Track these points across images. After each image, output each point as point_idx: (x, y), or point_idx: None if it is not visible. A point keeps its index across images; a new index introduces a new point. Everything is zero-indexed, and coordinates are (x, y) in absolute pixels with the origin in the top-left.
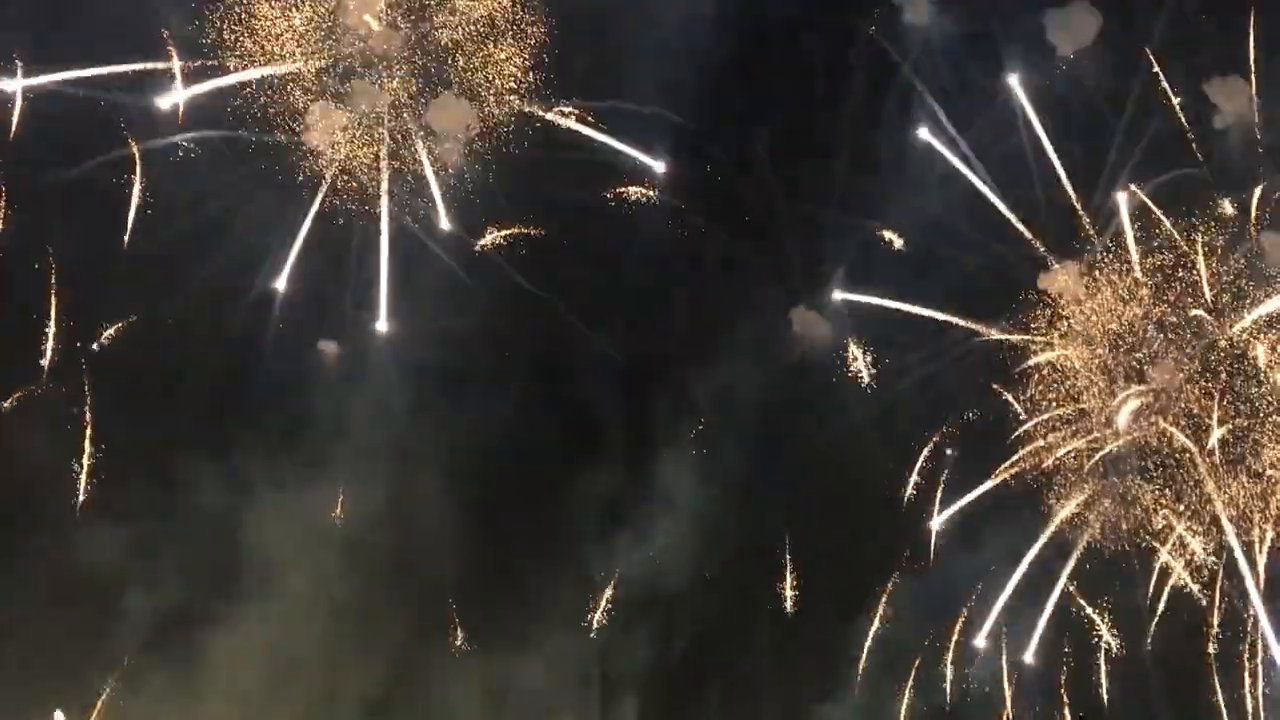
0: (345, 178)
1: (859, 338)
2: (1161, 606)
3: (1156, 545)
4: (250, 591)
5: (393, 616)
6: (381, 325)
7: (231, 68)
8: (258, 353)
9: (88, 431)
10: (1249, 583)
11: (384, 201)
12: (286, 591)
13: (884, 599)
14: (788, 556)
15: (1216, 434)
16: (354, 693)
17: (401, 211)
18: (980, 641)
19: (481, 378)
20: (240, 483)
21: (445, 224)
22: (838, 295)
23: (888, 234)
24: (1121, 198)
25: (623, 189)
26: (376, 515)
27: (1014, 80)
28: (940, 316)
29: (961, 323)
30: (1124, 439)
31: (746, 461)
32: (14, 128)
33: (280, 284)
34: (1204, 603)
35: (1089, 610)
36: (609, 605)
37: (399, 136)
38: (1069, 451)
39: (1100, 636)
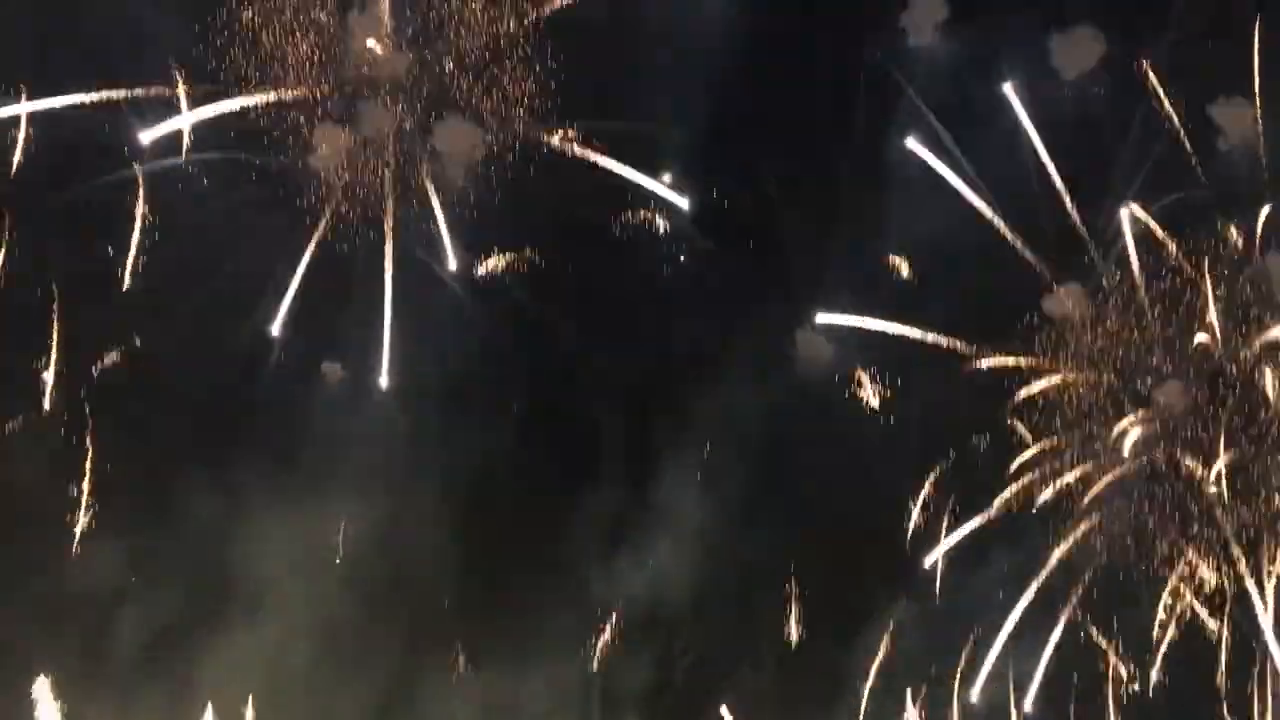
0: (349, 203)
1: (863, 361)
2: (1170, 634)
3: (1166, 573)
4: (250, 615)
5: (393, 640)
6: (383, 380)
7: (237, 91)
8: (260, 375)
9: (88, 457)
10: (1259, 610)
11: (389, 241)
12: (285, 615)
13: (889, 626)
14: (792, 583)
15: (1222, 460)
16: (353, 716)
17: (405, 234)
18: (975, 696)
19: (485, 401)
20: (241, 507)
21: (453, 264)
22: (820, 319)
23: (892, 257)
24: (1125, 218)
25: (628, 213)
26: (379, 539)
27: (1008, 88)
28: (942, 341)
29: (963, 347)
30: (1130, 466)
31: (748, 486)
32: (18, 152)
33: (275, 328)
34: (1213, 630)
35: (1097, 637)
36: (611, 629)
37: (403, 160)
38: (1075, 478)
39: (1108, 664)
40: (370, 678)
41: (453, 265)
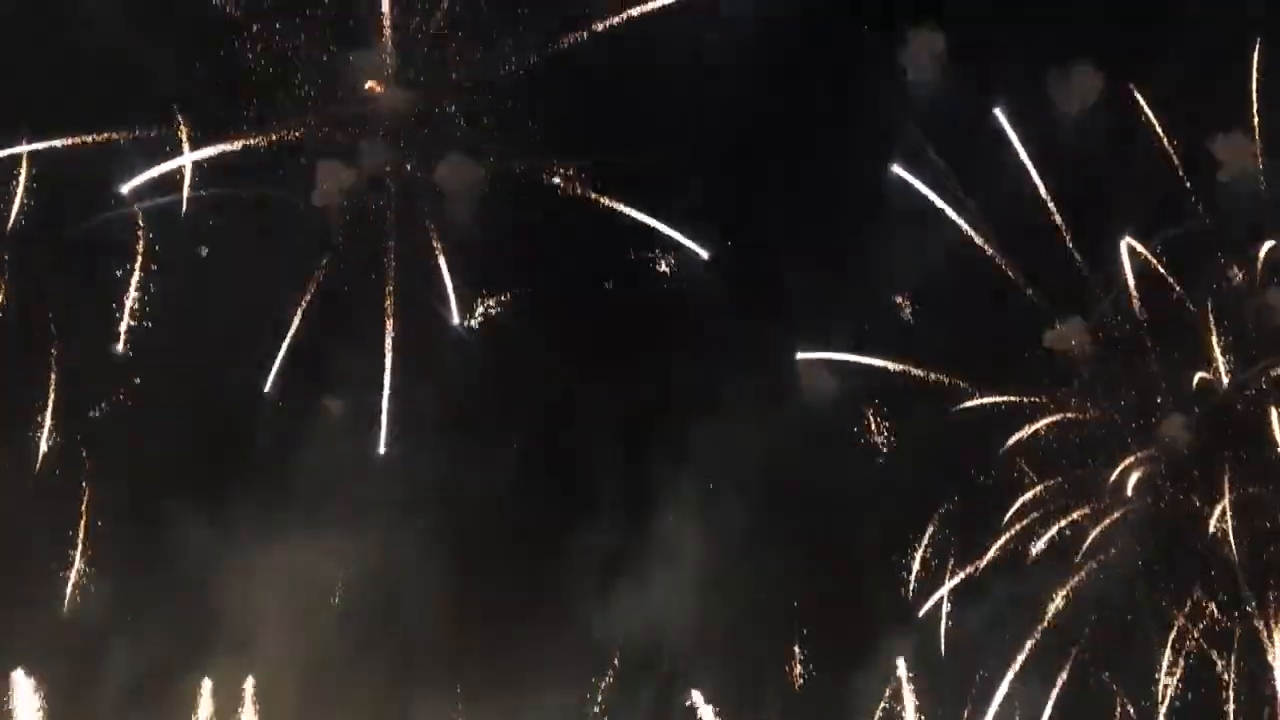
0: (351, 240)
1: (865, 399)
2: (1177, 674)
3: (1172, 612)
4: (249, 656)
5: (393, 679)
6: (382, 448)
7: (239, 130)
8: (260, 411)
9: (84, 500)
10: (1269, 649)
11: (389, 283)
12: (283, 656)
13: (893, 668)
14: (796, 623)
15: (1227, 497)
16: None
17: (407, 270)
18: None
19: (485, 437)
20: (241, 548)
21: (456, 317)
22: (801, 355)
23: (893, 290)
24: (1124, 252)
25: (632, 252)
26: (378, 578)
27: (999, 113)
28: (941, 376)
29: (964, 384)
30: (1134, 504)
31: (750, 521)
32: (19, 192)
33: (268, 386)
34: (1221, 670)
35: (1104, 677)
36: (612, 669)
37: (404, 197)
38: (1079, 516)
39: (1115, 705)
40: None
41: (456, 318)
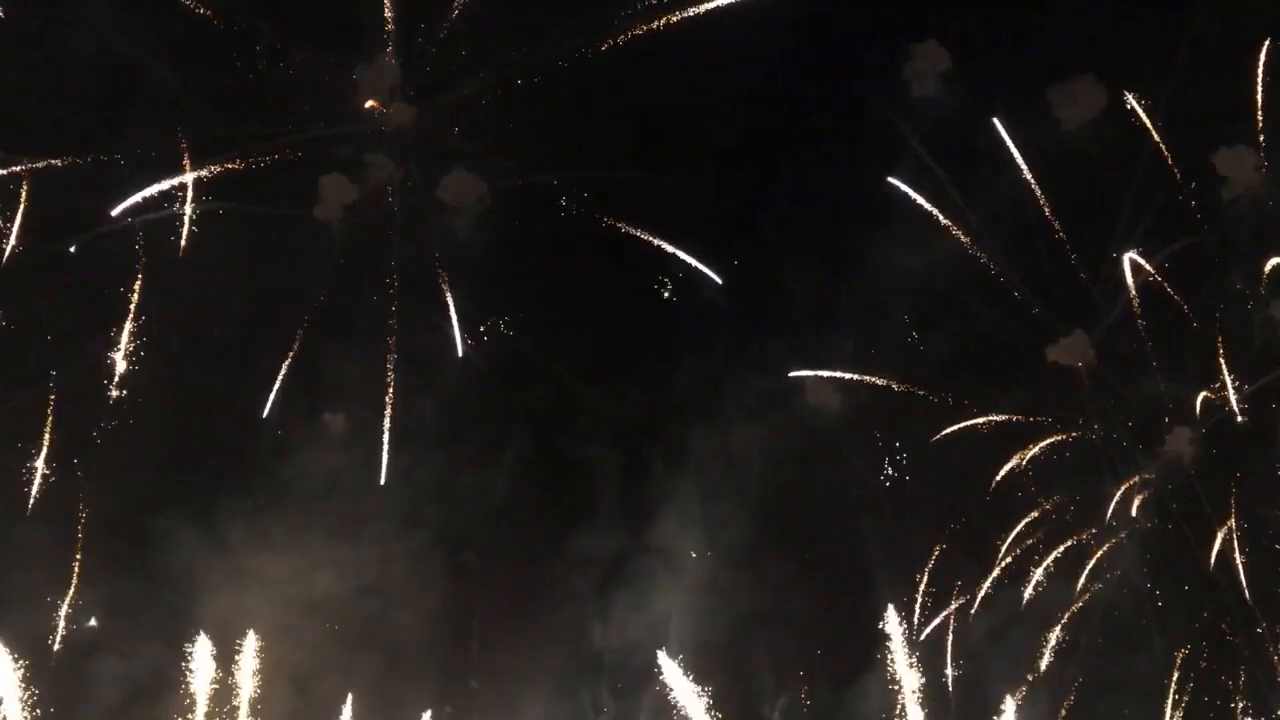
0: (353, 255)
1: (870, 414)
2: (1186, 695)
3: (1181, 629)
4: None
5: (390, 687)
6: (383, 478)
7: (242, 145)
8: (261, 426)
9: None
10: (1277, 669)
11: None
12: (277, 667)
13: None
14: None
15: (1234, 518)
16: None
17: (409, 286)
18: None
19: (485, 445)
20: (236, 554)
21: (459, 345)
22: (794, 374)
23: (894, 302)
24: (1127, 266)
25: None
26: (380, 587)
27: (997, 121)
28: (944, 394)
29: (968, 402)
30: (1139, 523)
31: (752, 538)
32: (20, 209)
33: (269, 402)
34: (1229, 690)
35: (1111, 698)
36: (607, 685)
37: (408, 210)
38: (1084, 537)
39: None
40: None
41: (459, 345)
